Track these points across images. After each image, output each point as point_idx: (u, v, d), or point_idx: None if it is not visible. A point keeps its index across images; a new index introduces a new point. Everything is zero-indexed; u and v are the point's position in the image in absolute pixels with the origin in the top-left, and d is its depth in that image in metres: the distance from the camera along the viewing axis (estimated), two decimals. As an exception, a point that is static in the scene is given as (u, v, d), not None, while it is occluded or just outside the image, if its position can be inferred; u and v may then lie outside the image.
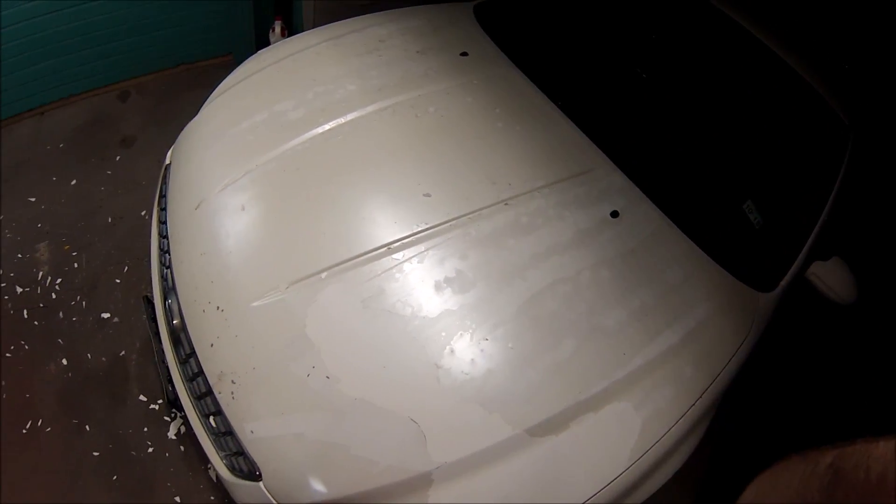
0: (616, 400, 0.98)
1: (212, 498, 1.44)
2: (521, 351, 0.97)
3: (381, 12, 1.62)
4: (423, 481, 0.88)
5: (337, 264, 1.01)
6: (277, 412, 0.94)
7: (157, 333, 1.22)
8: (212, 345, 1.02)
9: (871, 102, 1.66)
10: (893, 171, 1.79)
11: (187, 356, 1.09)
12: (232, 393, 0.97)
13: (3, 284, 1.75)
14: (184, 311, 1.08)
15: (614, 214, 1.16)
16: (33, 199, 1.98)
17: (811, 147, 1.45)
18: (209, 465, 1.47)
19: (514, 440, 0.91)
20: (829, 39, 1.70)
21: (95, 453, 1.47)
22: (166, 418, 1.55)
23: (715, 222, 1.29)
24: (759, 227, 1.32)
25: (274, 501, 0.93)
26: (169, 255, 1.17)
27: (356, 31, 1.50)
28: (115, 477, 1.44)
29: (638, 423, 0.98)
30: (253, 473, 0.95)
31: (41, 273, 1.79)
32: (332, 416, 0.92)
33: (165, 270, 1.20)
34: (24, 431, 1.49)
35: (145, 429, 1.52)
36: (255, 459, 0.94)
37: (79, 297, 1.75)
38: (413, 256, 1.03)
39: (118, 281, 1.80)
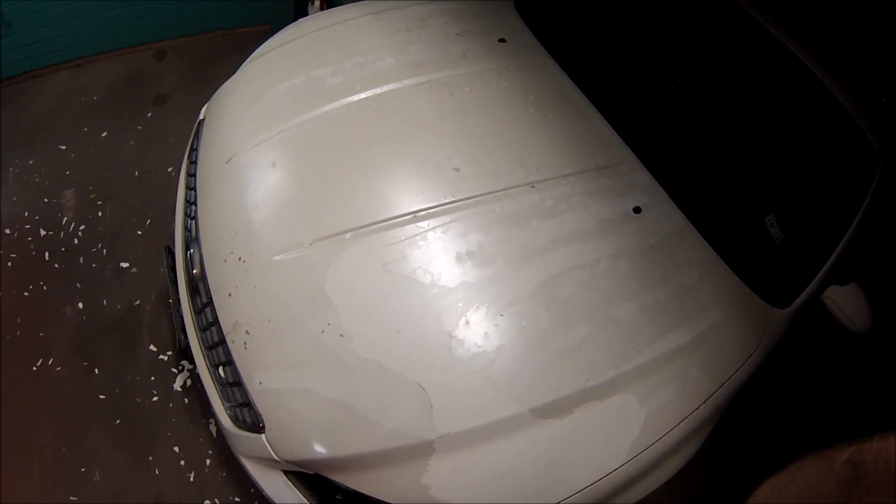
0: (622, 392, 0.98)
1: (210, 451, 1.46)
2: (534, 331, 0.97)
3: (423, -8, 1.64)
4: (425, 449, 0.89)
5: (362, 226, 1.03)
6: (288, 366, 0.96)
7: (175, 282, 1.25)
8: (230, 294, 1.04)
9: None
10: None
11: (203, 305, 1.11)
12: (245, 343, 0.99)
13: (27, 227, 1.79)
14: (205, 261, 1.10)
15: (637, 210, 1.17)
16: (64, 147, 2.03)
17: (840, 169, 1.44)
18: (210, 420, 1.50)
19: (518, 419, 0.92)
20: (869, 66, 1.68)
21: (102, 396, 1.51)
22: (174, 370, 1.58)
23: (735, 231, 1.29)
24: (779, 242, 1.32)
25: (274, 455, 0.94)
26: (195, 206, 1.20)
27: (398, 9, 1.52)
28: (118, 421, 1.48)
29: (641, 418, 0.98)
30: (256, 425, 0.96)
31: (66, 219, 1.84)
32: (341, 375, 0.93)
33: (190, 221, 1.23)
34: (35, 368, 1.53)
35: (152, 378, 1.56)
36: (261, 411, 0.95)
37: (100, 245, 1.79)
38: (438, 226, 1.04)
39: (140, 233, 1.83)
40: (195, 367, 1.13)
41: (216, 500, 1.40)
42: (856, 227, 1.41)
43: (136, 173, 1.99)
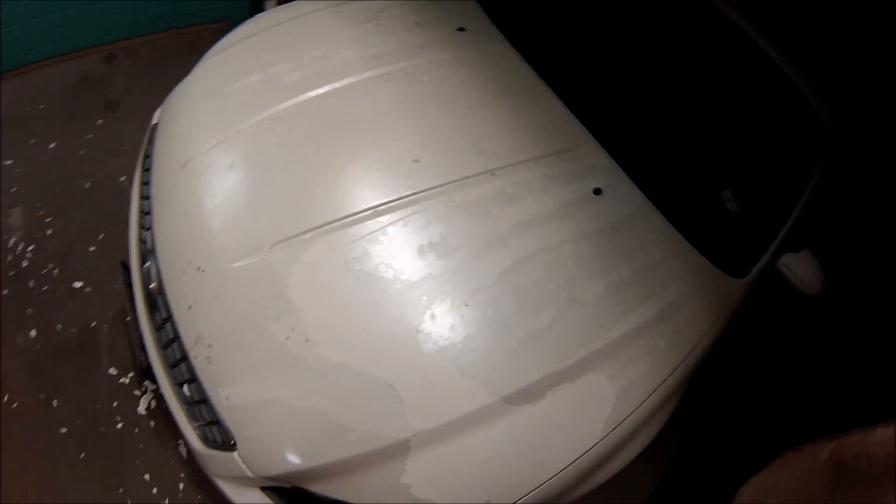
0: (592, 371, 1.00)
1: (182, 475, 1.40)
2: (501, 318, 0.97)
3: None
4: (401, 449, 0.88)
5: (322, 225, 1.01)
6: (254, 376, 0.93)
7: (133, 299, 1.19)
8: (190, 307, 1.00)
9: (852, 105, 1.72)
10: (868, 172, 1.86)
11: (163, 321, 1.06)
12: (208, 357, 0.95)
13: (-30, 252, 1.68)
14: (162, 274, 1.06)
15: (597, 191, 1.18)
16: (10, 162, 1.90)
17: (791, 143, 1.50)
18: (180, 441, 1.44)
19: (491, 408, 0.92)
20: (819, 42, 1.75)
21: (63, 430, 1.42)
22: (136, 393, 1.51)
23: (693, 208, 1.32)
24: (735, 216, 1.36)
25: (248, 472, 0.91)
26: (150, 215, 1.15)
27: (355, 0, 1.49)
28: (82, 455, 1.39)
29: (612, 394, 1.00)
30: (227, 443, 0.93)
31: (13, 240, 1.73)
32: (309, 381, 0.91)
33: (145, 233, 1.17)
34: (-11, 406, 1.44)
35: (115, 403, 1.48)
36: (230, 427, 0.92)
37: (51, 265, 1.69)
38: (398, 220, 1.03)
39: (93, 249, 1.74)
40: (158, 387, 1.08)
41: (193, 523, 1.35)
42: (808, 196, 1.47)
43: (88, 185, 1.89)
